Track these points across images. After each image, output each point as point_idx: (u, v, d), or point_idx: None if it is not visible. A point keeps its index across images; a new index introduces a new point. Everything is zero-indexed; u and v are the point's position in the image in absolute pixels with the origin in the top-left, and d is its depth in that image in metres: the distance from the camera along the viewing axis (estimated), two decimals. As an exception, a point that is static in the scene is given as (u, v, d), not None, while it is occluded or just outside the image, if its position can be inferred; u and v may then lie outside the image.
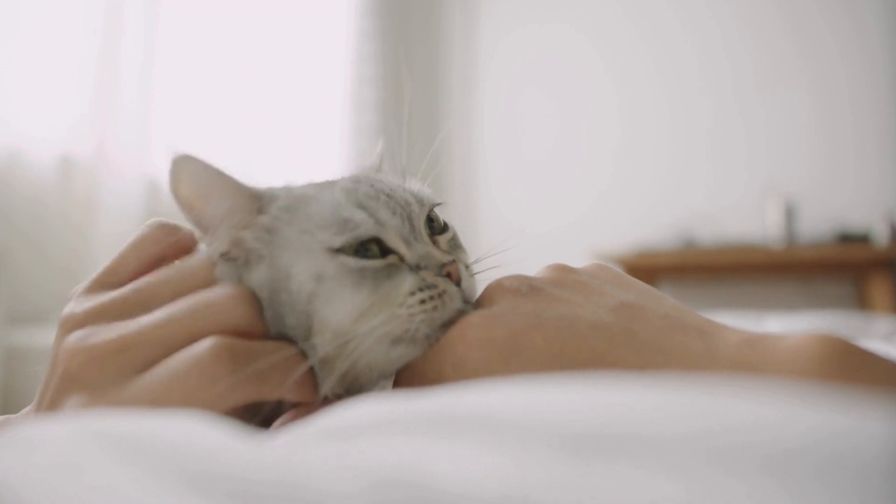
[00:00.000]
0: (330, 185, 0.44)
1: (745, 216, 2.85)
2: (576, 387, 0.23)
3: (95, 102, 1.80)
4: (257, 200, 0.42)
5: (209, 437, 0.22)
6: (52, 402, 0.36)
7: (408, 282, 0.40)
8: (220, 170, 0.41)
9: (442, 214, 0.47)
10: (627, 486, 0.16)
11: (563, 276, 0.42)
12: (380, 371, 0.40)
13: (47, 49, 1.69)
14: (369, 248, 0.40)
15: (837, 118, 2.81)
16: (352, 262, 0.39)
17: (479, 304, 0.42)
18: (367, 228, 0.40)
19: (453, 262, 0.41)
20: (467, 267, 0.44)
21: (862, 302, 2.66)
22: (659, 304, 0.39)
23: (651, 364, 0.34)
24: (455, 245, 0.46)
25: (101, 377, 0.35)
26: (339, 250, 0.39)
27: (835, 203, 2.75)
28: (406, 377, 0.42)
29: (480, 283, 0.44)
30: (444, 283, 0.40)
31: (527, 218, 3.15)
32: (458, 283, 0.41)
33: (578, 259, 0.46)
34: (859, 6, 2.80)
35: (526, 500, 0.16)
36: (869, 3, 2.77)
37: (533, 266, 0.44)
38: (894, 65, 2.68)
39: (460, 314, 0.40)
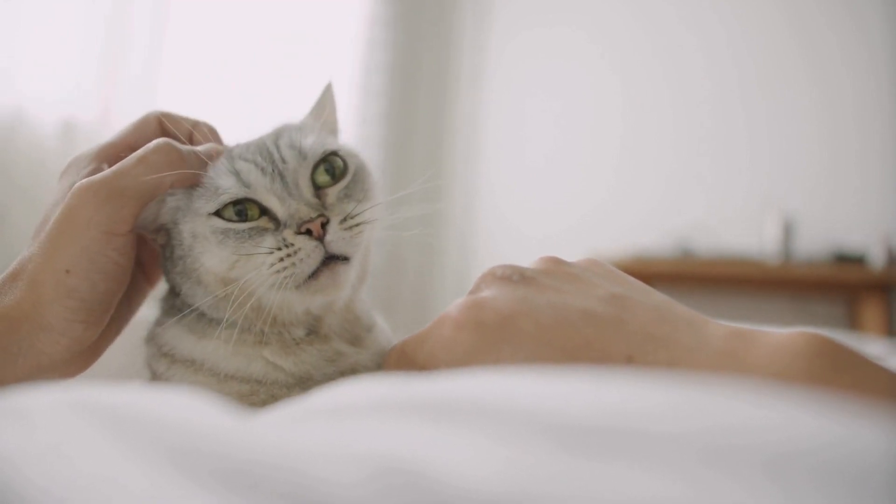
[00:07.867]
0: (229, 150, 0.49)
1: (743, 229, 2.84)
2: (576, 379, 0.23)
3: (102, 68, 1.78)
4: None
5: (203, 416, 0.22)
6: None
7: (267, 242, 0.44)
8: None
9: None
10: (623, 483, 0.16)
11: (554, 268, 0.42)
12: (293, 310, 0.46)
13: (55, 9, 1.67)
14: (247, 210, 0.45)
15: (840, 135, 2.81)
16: (220, 223, 0.44)
17: (470, 291, 0.42)
18: (232, 193, 0.44)
19: (316, 218, 0.44)
20: (344, 220, 0.45)
21: (854, 323, 2.66)
22: (648, 297, 0.40)
23: (640, 353, 0.34)
24: (347, 193, 0.48)
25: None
26: (215, 213, 0.45)
27: (833, 223, 2.75)
28: (396, 358, 0.42)
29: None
30: (301, 242, 0.43)
31: (526, 218, 3.14)
32: (321, 238, 0.44)
33: (577, 260, 0.46)
34: (865, 22, 2.79)
35: (523, 493, 0.16)
36: (875, 18, 2.76)
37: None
38: (904, 89, 2.68)
39: (326, 263, 0.44)
